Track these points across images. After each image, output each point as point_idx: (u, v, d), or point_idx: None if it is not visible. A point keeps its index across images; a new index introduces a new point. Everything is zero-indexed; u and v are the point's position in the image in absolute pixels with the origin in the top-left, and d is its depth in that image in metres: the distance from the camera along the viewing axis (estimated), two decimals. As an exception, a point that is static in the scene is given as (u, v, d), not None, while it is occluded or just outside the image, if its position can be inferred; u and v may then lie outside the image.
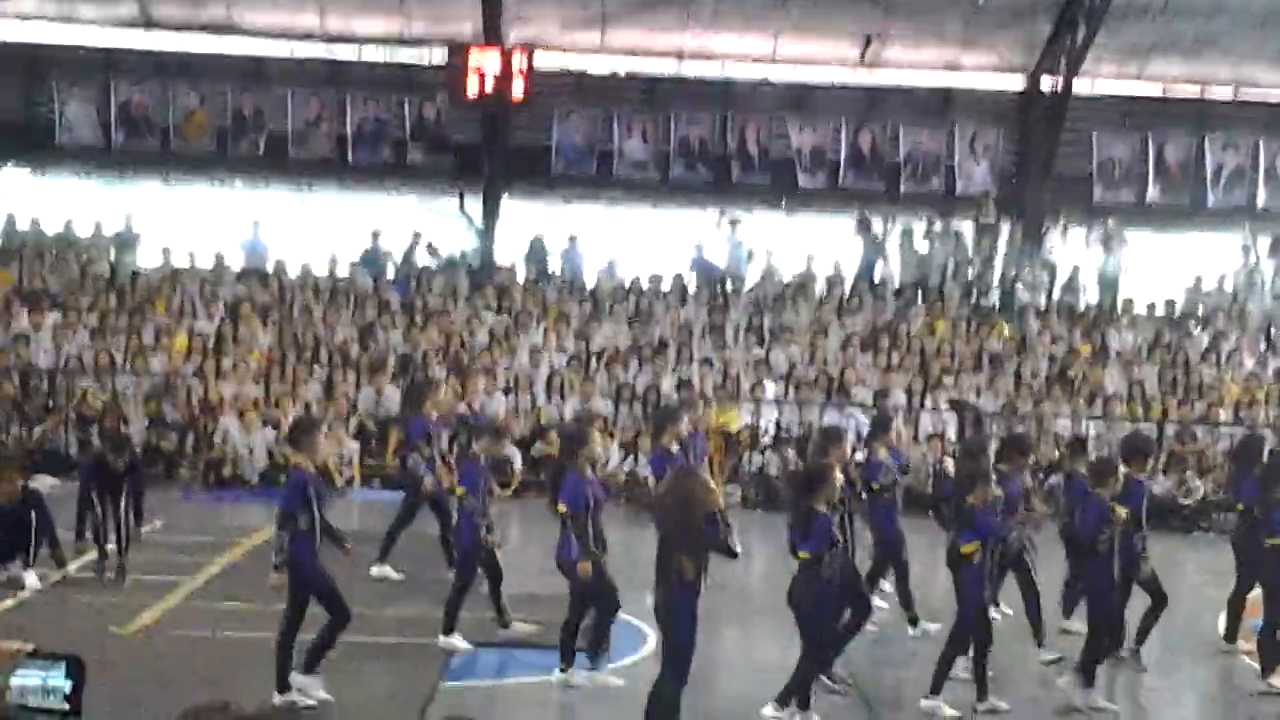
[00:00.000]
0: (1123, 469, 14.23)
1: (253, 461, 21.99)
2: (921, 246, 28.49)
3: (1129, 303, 27.69)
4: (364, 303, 26.27)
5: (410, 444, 15.93)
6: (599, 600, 11.97)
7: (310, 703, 11.00)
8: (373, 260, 27.92)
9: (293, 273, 27.32)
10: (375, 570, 15.72)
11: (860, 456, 14.92)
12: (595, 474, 12.60)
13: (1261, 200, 29.58)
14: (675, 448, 14.02)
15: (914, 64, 29.60)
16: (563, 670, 11.95)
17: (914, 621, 14.27)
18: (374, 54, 29.90)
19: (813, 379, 24.09)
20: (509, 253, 28.89)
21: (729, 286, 27.85)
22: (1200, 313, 27.73)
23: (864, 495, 13.75)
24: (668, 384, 23.31)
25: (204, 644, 12.72)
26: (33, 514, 14.67)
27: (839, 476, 11.51)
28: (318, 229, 29.24)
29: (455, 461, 15.47)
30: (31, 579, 14.43)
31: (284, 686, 11.00)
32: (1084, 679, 12.13)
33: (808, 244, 28.86)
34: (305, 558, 10.98)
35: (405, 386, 17.82)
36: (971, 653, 11.89)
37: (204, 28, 29.25)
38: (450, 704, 11.53)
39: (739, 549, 10.26)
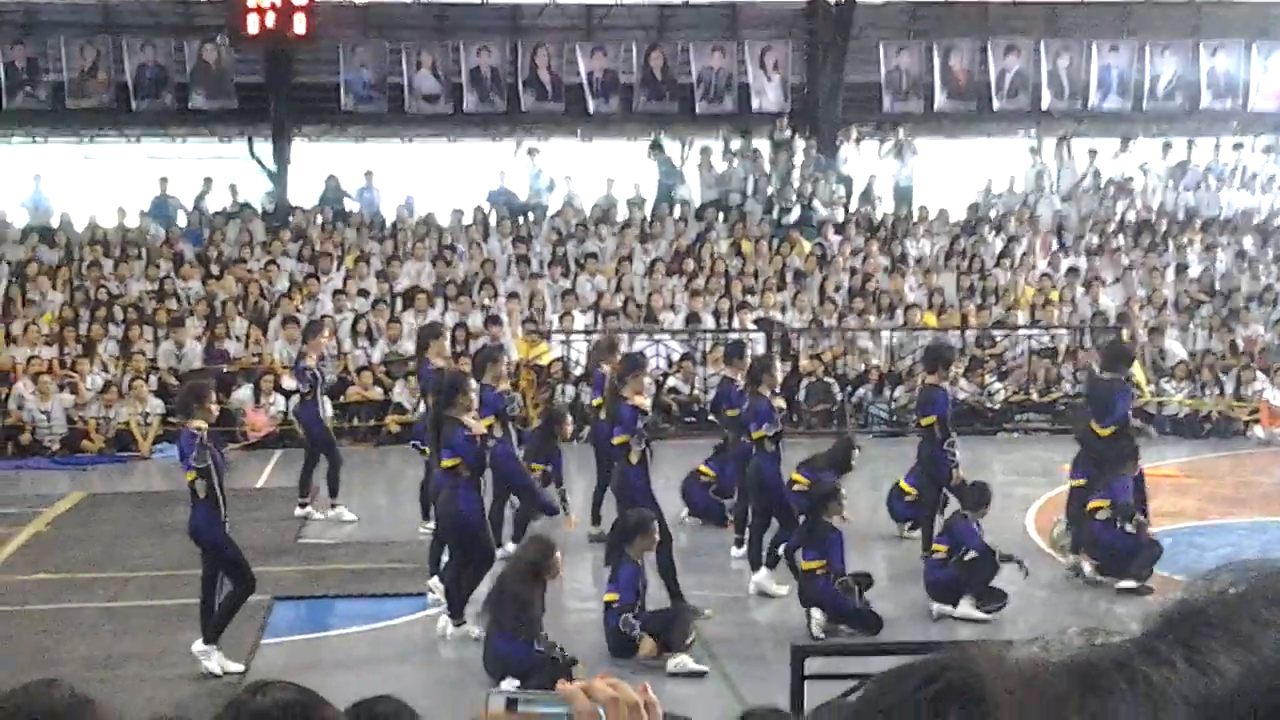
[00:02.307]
0: (927, 378, 14.62)
1: (51, 427, 21.32)
2: (720, 166, 28.61)
3: (924, 210, 28.14)
4: (156, 255, 25.53)
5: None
6: (478, 556, 11.87)
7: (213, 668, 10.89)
8: (162, 209, 27.14)
9: (79, 227, 26.42)
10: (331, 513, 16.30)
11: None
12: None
13: (1045, 103, 30.20)
14: (502, 385, 14.06)
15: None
16: (458, 625, 11.83)
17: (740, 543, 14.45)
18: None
19: (620, 306, 24.11)
20: (303, 195, 28.32)
21: (530, 217, 27.66)
22: (992, 217, 28.28)
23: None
24: (475, 320, 23.13)
25: (14, 618, 12.42)
26: None
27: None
28: (103, 181, 28.34)
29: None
30: None
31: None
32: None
33: (606, 170, 28.78)
34: (207, 524, 10.79)
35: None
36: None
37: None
38: (271, 659, 11.43)
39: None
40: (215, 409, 11.68)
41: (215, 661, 10.93)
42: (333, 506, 16.49)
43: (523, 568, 10.73)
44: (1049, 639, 1.17)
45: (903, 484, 15.30)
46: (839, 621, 11.97)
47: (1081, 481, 14.23)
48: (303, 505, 16.54)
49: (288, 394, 20.80)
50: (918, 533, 14.49)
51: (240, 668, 10.94)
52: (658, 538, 11.72)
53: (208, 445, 10.75)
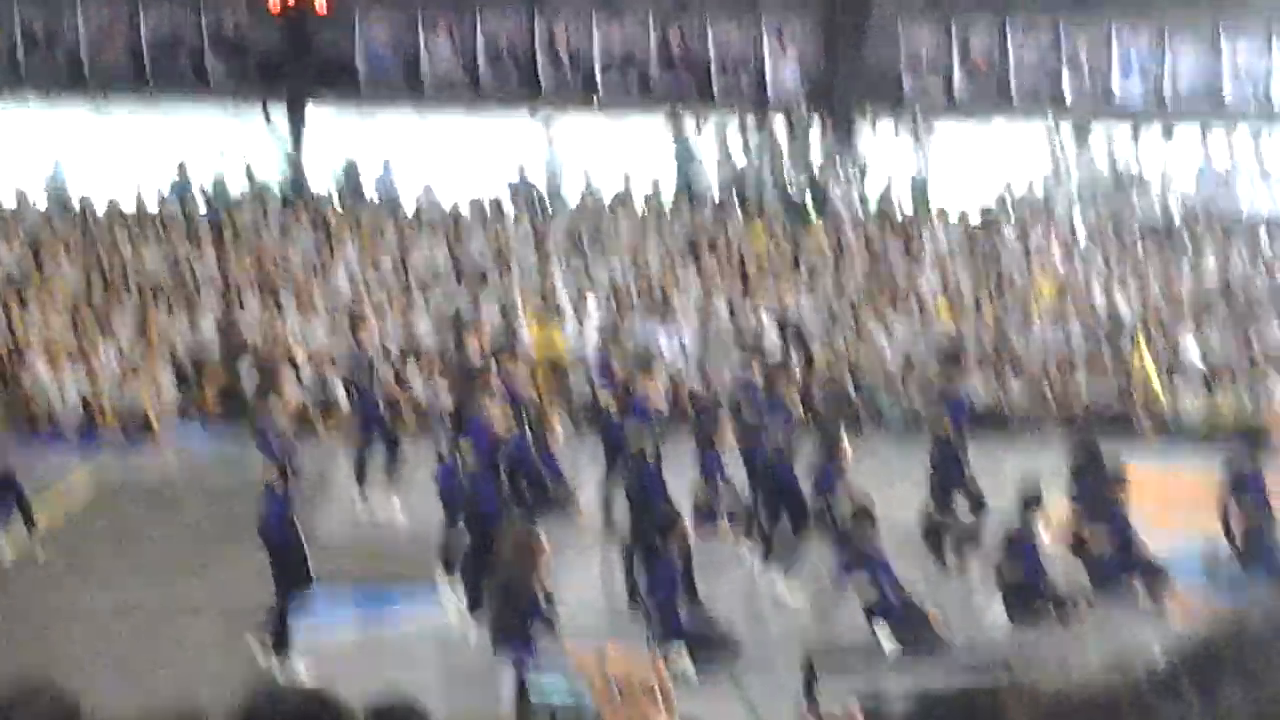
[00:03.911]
0: (940, 380, 14.64)
1: (65, 403, 21.32)
2: (735, 144, 28.35)
3: (943, 212, 27.84)
4: (172, 232, 25.46)
5: None
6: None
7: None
8: (179, 186, 27.05)
9: (98, 206, 26.32)
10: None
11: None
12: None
13: (1065, 87, 29.98)
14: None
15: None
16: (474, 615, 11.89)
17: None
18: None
19: (635, 293, 24.02)
20: (319, 168, 28.24)
21: (546, 201, 27.54)
22: (1010, 208, 28.10)
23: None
24: (490, 307, 23.07)
25: (22, 606, 12.48)
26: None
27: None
28: (119, 156, 28.23)
29: None
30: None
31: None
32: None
33: (623, 149, 28.63)
34: (276, 516, 10.79)
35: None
36: None
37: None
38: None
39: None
40: (292, 398, 11.60)
41: (272, 659, 10.96)
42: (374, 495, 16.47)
43: (510, 554, 10.63)
44: (1072, 671, 1.19)
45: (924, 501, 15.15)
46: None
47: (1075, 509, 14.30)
48: (364, 497, 16.50)
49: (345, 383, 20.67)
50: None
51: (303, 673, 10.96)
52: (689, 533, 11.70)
53: (280, 436, 10.74)
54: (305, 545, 11.10)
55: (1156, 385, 21.51)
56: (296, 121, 28.39)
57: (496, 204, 26.85)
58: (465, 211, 26.64)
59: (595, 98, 29.52)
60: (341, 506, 16.22)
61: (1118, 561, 13.56)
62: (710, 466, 15.32)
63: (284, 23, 27.97)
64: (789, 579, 13.33)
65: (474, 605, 11.95)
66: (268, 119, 28.66)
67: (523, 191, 27.37)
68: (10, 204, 26.21)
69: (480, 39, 28.93)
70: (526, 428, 14.27)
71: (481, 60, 28.95)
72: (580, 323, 22.98)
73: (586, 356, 21.95)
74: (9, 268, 24.00)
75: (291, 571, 10.98)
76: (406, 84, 28.91)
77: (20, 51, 28.04)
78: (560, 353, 22.47)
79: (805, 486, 14.18)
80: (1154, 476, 17.55)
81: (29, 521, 14.20)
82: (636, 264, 24.99)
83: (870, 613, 11.87)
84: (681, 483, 15.72)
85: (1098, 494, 13.99)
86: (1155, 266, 26.21)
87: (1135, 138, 29.38)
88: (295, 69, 28.30)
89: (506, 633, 10.49)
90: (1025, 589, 12.67)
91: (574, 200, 27.43)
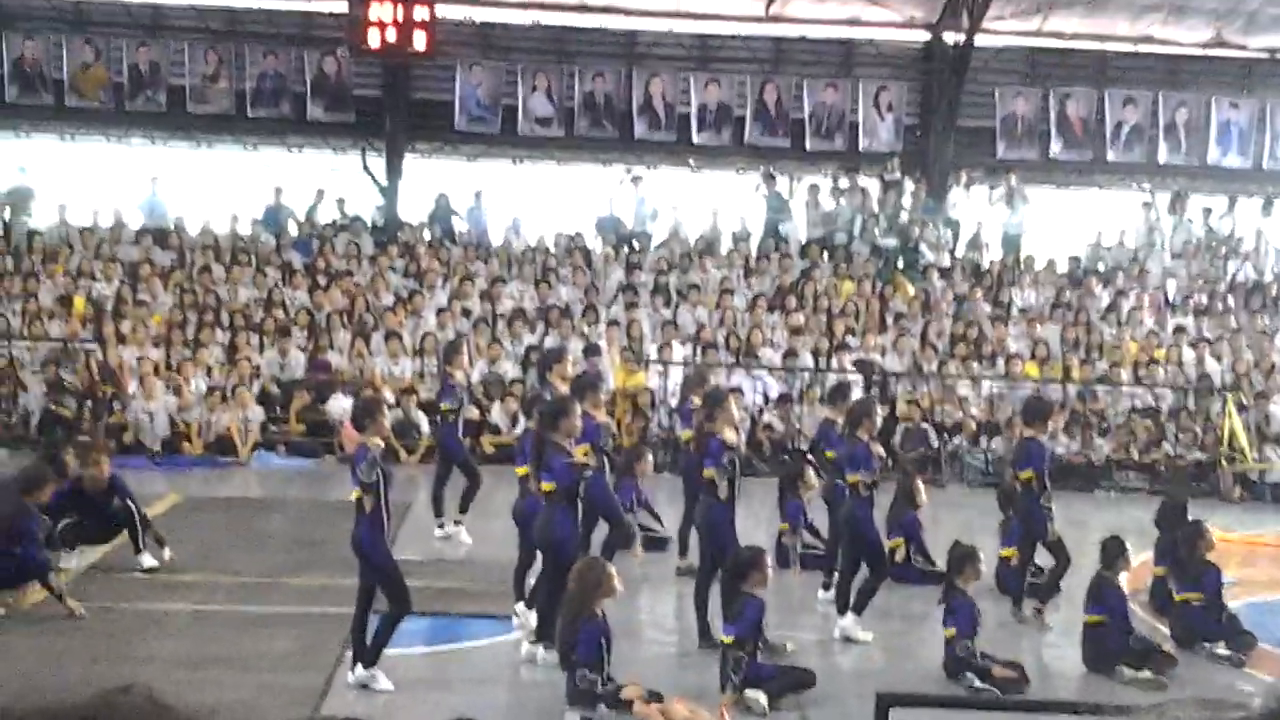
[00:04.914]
0: (1025, 430, 14.48)
1: (154, 428, 21.65)
2: (827, 203, 28.56)
3: (1030, 260, 27.94)
4: (265, 263, 25.89)
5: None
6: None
7: (383, 687, 10.89)
8: (274, 218, 27.54)
9: (193, 231, 26.88)
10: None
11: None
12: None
13: (1161, 156, 29.90)
14: (599, 416, 14.00)
15: (818, 19, 29.53)
16: (549, 649, 11.82)
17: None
18: (274, 4, 29.32)
19: (721, 340, 24.10)
20: (413, 210, 28.64)
21: (634, 245, 27.74)
22: (1101, 270, 28.00)
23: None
24: (575, 347, 23.21)
25: (106, 615, 12.59)
26: (124, 498, 14.47)
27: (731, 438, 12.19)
28: (218, 186, 28.81)
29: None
30: (147, 559, 14.22)
31: (354, 664, 11.00)
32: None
33: (713, 201, 28.84)
34: (371, 540, 10.82)
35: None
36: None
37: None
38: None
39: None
40: (388, 426, 11.63)
41: (382, 682, 10.95)
42: (456, 523, 16.51)
43: (572, 596, 10.62)
44: (1167, 708, 1.17)
45: (1004, 552, 15.00)
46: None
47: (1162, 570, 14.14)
48: (440, 526, 16.57)
49: (430, 412, 20.86)
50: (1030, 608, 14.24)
51: (390, 686, 10.95)
52: (770, 573, 11.61)
53: (379, 461, 10.78)
54: (398, 570, 11.11)
55: (1245, 447, 21.22)
56: (393, 162, 28.79)
57: (585, 249, 27.05)
58: (554, 254, 26.86)
59: (690, 160, 29.73)
60: (420, 535, 16.30)
61: (1203, 621, 13.34)
62: (790, 510, 15.26)
63: (384, 67, 28.41)
64: (862, 619, 13.21)
65: (546, 637, 11.91)
66: (365, 160, 29.12)
67: (612, 237, 27.56)
68: (107, 229, 26.70)
69: (578, 91, 29.22)
70: (606, 464, 14.25)
71: (577, 112, 29.24)
72: (664, 366, 23.02)
73: (668, 398, 22.02)
74: (106, 293, 24.43)
75: (389, 595, 11.02)
76: (502, 132, 29.25)
77: (126, 92, 28.62)
78: (642, 391, 22.54)
79: (883, 532, 14.12)
80: (1240, 539, 17.31)
81: (138, 536, 14.39)
82: (723, 310, 25.05)
83: (960, 656, 11.70)
84: (761, 525, 15.74)
85: (1184, 553, 13.80)
86: (1248, 331, 25.96)
87: (1231, 206, 29.20)
88: (394, 113, 28.71)
89: (572, 668, 10.47)
90: (1108, 640, 12.47)
91: (663, 247, 27.56)
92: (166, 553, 14.39)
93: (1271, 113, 29.86)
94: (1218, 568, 13.66)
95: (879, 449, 14.24)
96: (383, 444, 11.05)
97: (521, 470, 13.49)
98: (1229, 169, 29.98)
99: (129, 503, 14.50)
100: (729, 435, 12.93)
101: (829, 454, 14.98)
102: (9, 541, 12.60)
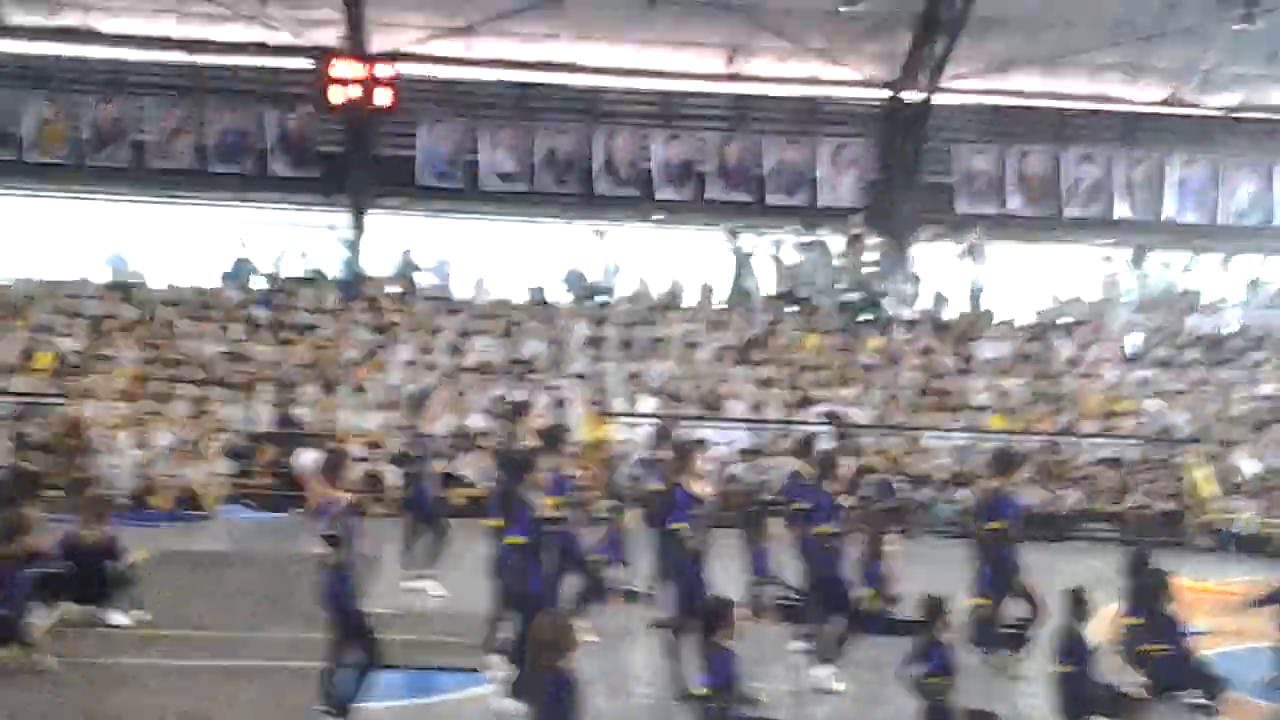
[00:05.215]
0: (992, 482, 14.54)
1: (119, 482, 21.52)
2: (790, 259, 28.70)
3: (991, 314, 28.16)
4: (231, 318, 25.82)
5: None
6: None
7: None
8: (239, 273, 27.48)
9: (157, 286, 26.79)
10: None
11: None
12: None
13: (1118, 212, 30.26)
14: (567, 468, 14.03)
15: (779, 77, 29.79)
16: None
17: None
18: (237, 60, 29.34)
19: (686, 393, 24.16)
20: (376, 265, 28.63)
21: (599, 300, 27.81)
22: (1063, 324, 28.23)
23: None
24: (542, 399, 23.25)
25: (73, 670, 12.48)
26: (114, 554, 14.44)
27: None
28: (182, 241, 28.75)
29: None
30: (118, 616, 14.16)
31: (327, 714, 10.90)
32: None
33: (676, 257, 28.95)
34: (338, 592, 10.75)
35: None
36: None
37: (59, 33, 28.51)
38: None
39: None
40: (353, 478, 11.59)
41: None
42: (426, 576, 16.41)
43: (535, 650, 10.47)
44: None
45: (973, 601, 15.02)
46: None
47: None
48: (409, 579, 16.44)
49: (398, 464, 20.80)
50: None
51: None
52: (738, 624, 11.59)
53: (345, 514, 10.75)
54: (369, 622, 11.07)
55: (1207, 498, 21.39)
56: (357, 218, 28.81)
57: (550, 303, 27.12)
58: (520, 309, 26.91)
59: (653, 215, 29.89)
60: (388, 588, 16.21)
61: (1173, 670, 13.39)
62: (757, 561, 15.26)
63: (347, 123, 28.46)
64: (834, 670, 13.21)
65: (519, 691, 11.87)
66: (328, 215, 29.14)
67: (577, 291, 27.63)
68: (72, 287, 26.59)
69: (540, 148, 29.34)
70: (573, 516, 14.27)
71: (540, 168, 29.35)
72: (632, 419, 23.08)
73: (634, 450, 22.05)
74: (71, 348, 24.33)
75: (359, 647, 10.96)
76: (466, 187, 29.34)
77: (88, 147, 28.57)
78: (608, 444, 22.56)
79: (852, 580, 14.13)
80: (1204, 587, 17.39)
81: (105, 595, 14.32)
82: (688, 364, 25.13)
83: (934, 706, 11.69)
84: (731, 577, 15.72)
85: (1150, 602, 13.85)
86: (1210, 382, 26.21)
87: (1193, 261, 29.55)
88: (358, 169, 28.74)
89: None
90: (1078, 687, 12.50)
91: (627, 301, 27.64)
92: (138, 614, 14.27)
93: (1227, 170, 30.24)
94: (1180, 617, 13.69)
95: (844, 496, 14.26)
96: (349, 497, 11.02)
97: (492, 523, 13.47)
98: (1186, 224, 30.34)
99: (121, 565, 14.41)
100: (698, 487, 12.92)
101: (795, 505, 14.97)
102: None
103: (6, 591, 12.67)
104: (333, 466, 11.20)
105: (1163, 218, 30.36)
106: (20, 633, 12.56)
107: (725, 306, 27.70)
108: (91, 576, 14.28)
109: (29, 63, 28.83)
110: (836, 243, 28.89)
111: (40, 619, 13.43)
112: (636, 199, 29.64)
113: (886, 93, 29.75)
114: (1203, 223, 30.36)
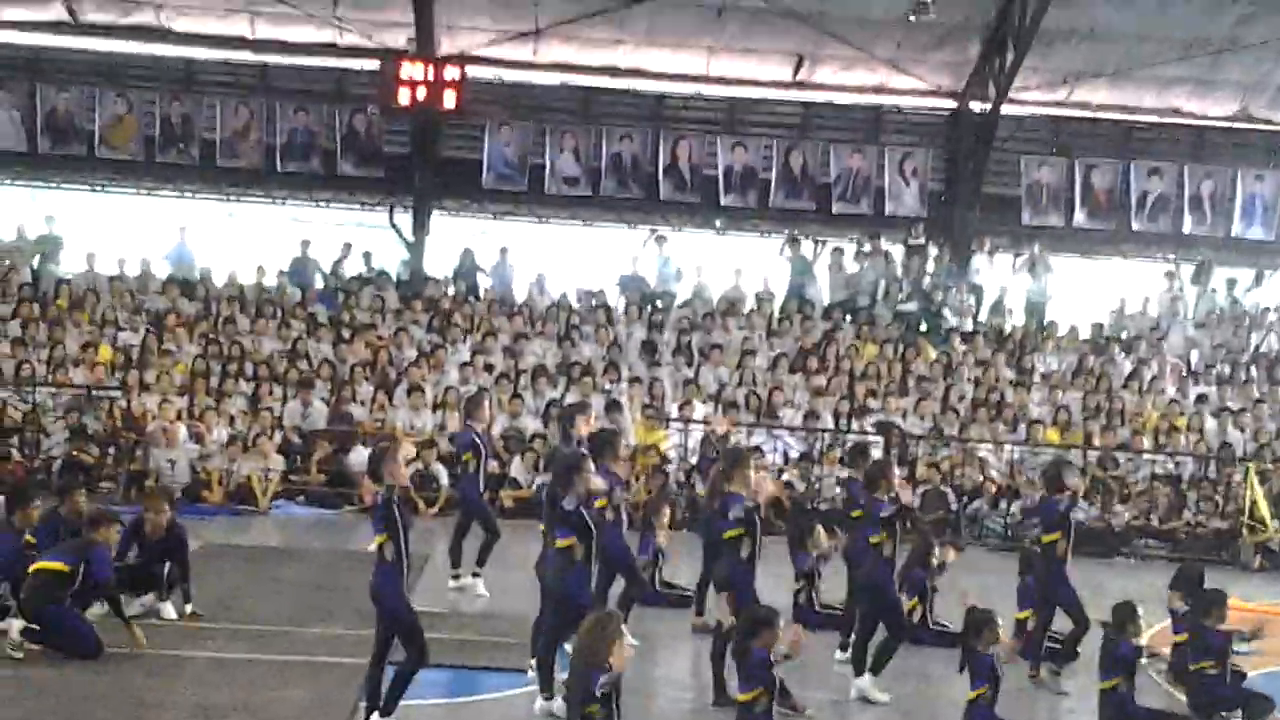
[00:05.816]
0: (1045, 496, 14.45)
1: (175, 476, 21.73)
2: (851, 267, 28.67)
3: (1053, 326, 27.99)
4: (290, 315, 26.03)
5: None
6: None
7: None
8: (301, 271, 27.71)
9: (219, 282, 27.06)
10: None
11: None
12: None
13: (1185, 227, 30.03)
14: (618, 469, 14.03)
15: (845, 86, 29.75)
16: (547, 698, 11.78)
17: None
18: (306, 63, 29.61)
19: (741, 400, 24.13)
20: (438, 265, 28.81)
21: (658, 304, 27.84)
22: (1124, 338, 28.04)
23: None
24: (597, 403, 23.25)
25: (123, 661, 12.60)
26: (178, 547, 14.52)
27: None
28: (245, 239, 29.03)
29: None
30: (169, 610, 14.28)
31: (369, 715, 10.93)
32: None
33: (737, 263, 28.93)
34: (389, 587, 10.79)
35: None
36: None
37: (132, 31, 28.88)
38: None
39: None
40: (405, 473, 11.54)
41: None
42: (474, 575, 16.44)
43: (584, 644, 10.44)
44: None
45: (1020, 615, 14.90)
46: None
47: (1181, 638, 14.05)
48: (455, 577, 16.50)
49: (449, 464, 20.90)
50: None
51: None
52: (779, 633, 11.54)
53: (396, 503, 10.76)
54: (418, 621, 11.06)
55: (1266, 517, 21.14)
56: (419, 218, 28.99)
57: (608, 307, 27.17)
58: (577, 311, 26.98)
59: (716, 222, 29.92)
60: (438, 587, 16.29)
61: (1220, 689, 13.28)
62: (802, 567, 15.22)
63: (414, 125, 28.66)
64: (880, 681, 13.15)
65: (545, 687, 11.89)
66: (392, 216, 29.35)
67: (635, 295, 27.67)
68: (134, 278, 26.87)
69: (605, 152, 29.43)
70: (624, 520, 14.29)
71: (604, 173, 29.44)
72: (685, 424, 23.08)
73: (688, 456, 22.07)
74: (131, 342, 24.58)
75: (407, 645, 10.97)
76: (529, 191, 29.48)
77: (157, 144, 28.91)
78: (661, 449, 22.57)
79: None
80: (1259, 608, 17.20)
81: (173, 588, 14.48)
82: (744, 370, 25.10)
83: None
84: (781, 585, 15.69)
85: (1200, 621, 13.73)
86: (1270, 401, 25.95)
87: (1259, 280, 29.27)
88: (422, 170, 28.93)
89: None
90: (1125, 705, 12.40)
91: (686, 306, 27.66)
92: (188, 608, 14.38)
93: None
94: (1228, 635, 13.56)
95: (908, 496, 14.11)
96: (400, 483, 11.01)
97: (542, 525, 13.49)
98: (1254, 241, 30.06)
99: (181, 559, 14.52)
100: (768, 487, 12.90)
101: (855, 513, 14.89)
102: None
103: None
104: (381, 459, 11.16)
105: (1231, 234, 30.06)
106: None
107: (783, 315, 27.62)
108: (154, 569, 14.42)
109: (101, 59, 29.18)
110: (897, 252, 28.82)
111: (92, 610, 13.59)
112: (699, 205, 29.67)
113: (953, 103, 29.64)
114: (1270, 240, 30.02)
